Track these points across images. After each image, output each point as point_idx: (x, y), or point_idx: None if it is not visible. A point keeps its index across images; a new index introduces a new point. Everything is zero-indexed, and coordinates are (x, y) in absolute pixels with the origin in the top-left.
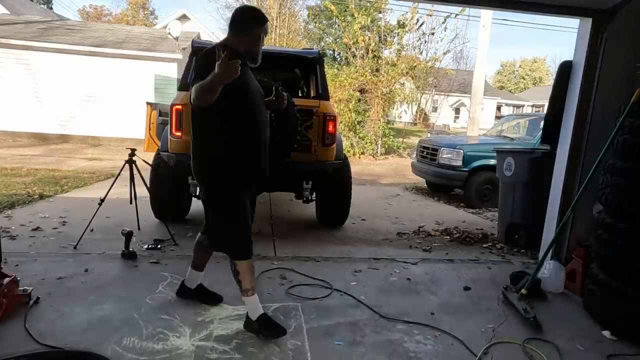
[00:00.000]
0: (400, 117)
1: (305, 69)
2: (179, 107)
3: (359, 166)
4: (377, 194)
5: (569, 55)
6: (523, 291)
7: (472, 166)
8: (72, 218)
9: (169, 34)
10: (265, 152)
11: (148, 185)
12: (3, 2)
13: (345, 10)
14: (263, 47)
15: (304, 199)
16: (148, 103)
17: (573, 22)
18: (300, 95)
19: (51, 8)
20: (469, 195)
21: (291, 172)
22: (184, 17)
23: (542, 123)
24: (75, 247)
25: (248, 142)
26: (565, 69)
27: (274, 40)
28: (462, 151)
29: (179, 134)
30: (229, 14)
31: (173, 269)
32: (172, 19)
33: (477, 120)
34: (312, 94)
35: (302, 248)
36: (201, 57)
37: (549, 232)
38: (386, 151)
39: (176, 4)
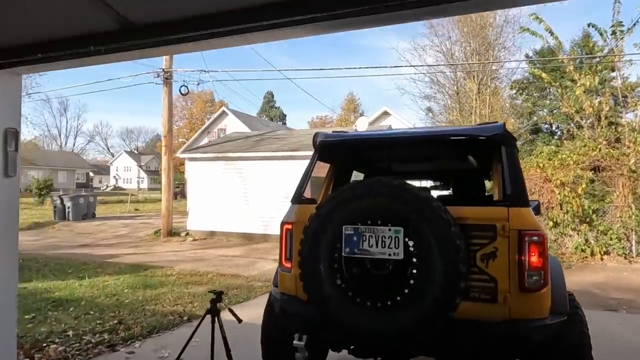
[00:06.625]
0: None
1: (481, 156)
2: (289, 226)
3: (601, 273)
4: None
5: None
6: None
7: None
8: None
9: (356, 129)
10: None
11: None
12: (247, 123)
13: (562, 77)
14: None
15: None
16: None
17: None
18: (471, 199)
19: (284, 123)
20: None
21: (460, 340)
22: (384, 114)
23: None
24: None
25: None
26: None
27: (473, 122)
28: None
29: (288, 265)
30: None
31: None
32: (371, 117)
33: None
34: (496, 196)
35: None
36: None
37: None
38: None
39: (380, 102)
